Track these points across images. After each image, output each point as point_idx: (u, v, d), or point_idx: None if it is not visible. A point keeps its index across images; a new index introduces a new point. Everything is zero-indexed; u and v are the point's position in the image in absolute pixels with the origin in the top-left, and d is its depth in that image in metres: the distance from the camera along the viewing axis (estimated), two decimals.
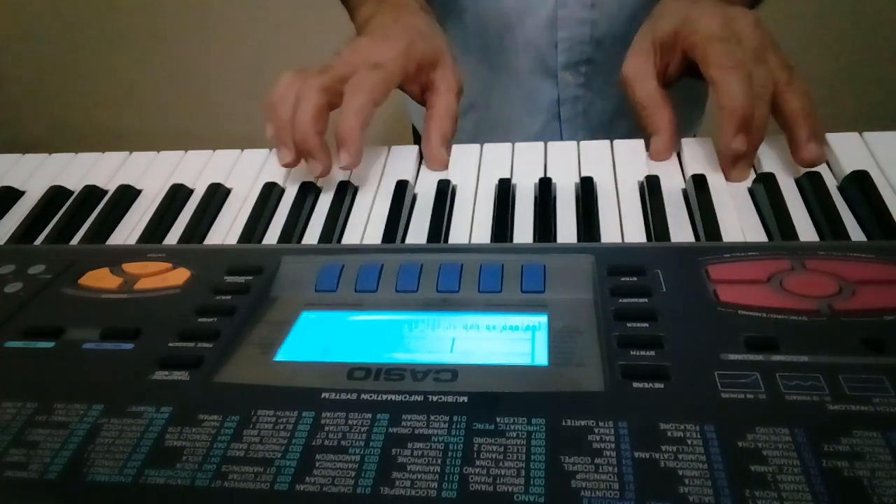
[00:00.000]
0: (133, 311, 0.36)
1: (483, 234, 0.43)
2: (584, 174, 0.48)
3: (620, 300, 0.33)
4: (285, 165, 0.49)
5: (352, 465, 0.26)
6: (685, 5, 0.50)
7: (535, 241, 0.43)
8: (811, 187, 0.44)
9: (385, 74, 0.48)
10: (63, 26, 1.97)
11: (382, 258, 0.38)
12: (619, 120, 0.70)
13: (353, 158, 0.46)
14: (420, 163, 0.51)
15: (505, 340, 0.33)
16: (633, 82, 0.50)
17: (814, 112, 0.45)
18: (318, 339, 0.34)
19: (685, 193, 0.45)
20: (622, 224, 0.43)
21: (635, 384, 0.28)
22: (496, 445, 0.26)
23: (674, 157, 0.49)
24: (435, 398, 0.28)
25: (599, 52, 0.66)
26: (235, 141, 0.63)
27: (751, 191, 0.45)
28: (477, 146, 0.52)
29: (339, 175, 0.51)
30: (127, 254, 0.41)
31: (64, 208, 0.50)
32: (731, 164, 0.45)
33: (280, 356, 0.32)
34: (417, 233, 0.44)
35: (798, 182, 0.45)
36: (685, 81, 0.51)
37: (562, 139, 0.70)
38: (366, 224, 0.46)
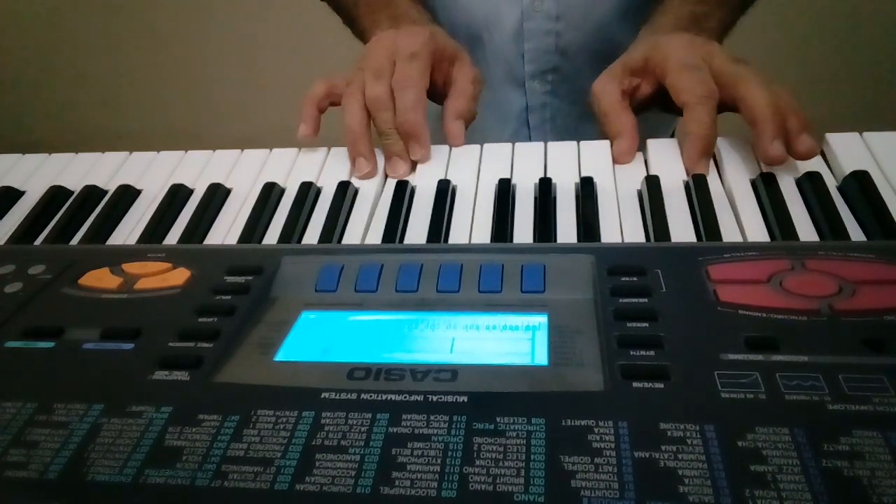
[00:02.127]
0: (133, 311, 0.36)
1: (483, 234, 0.43)
2: (584, 174, 0.48)
3: (620, 300, 0.33)
4: (364, 177, 0.50)
5: (352, 465, 0.26)
6: (657, 37, 0.53)
7: (535, 241, 0.43)
8: (811, 187, 0.44)
9: (422, 62, 0.51)
10: (63, 26, 1.97)
11: (382, 258, 0.38)
12: (584, 124, 0.72)
13: (426, 150, 0.50)
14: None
15: (505, 340, 0.33)
16: (600, 96, 0.52)
17: (782, 111, 0.46)
18: (317, 339, 0.34)
19: (686, 193, 0.45)
20: (622, 224, 0.43)
21: (635, 384, 0.28)
22: (496, 445, 0.26)
23: (676, 157, 0.49)
24: (435, 398, 0.28)
25: (565, 60, 0.68)
26: (235, 141, 0.63)
27: (754, 188, 0.45)
28: (477, 146, 0.52)
29: (338, 175, 0.51)
30: (127, 254, 0.41)
31: (64, 208, 0.50)
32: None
33: (280, 356, 0.32)
34: (417, 233, 0.44)
35: (798, 182, 0.45)
36: None
37: None
38: (366, 224, 0.46)
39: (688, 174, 0.47)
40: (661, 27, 0.55)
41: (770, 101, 0.45)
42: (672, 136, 0.81)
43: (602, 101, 0.51)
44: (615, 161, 0.49)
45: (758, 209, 0.43)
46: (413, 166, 0.51)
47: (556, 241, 0.42)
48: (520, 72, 0.69)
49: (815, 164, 0.46)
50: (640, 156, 0.49)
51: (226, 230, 0.47)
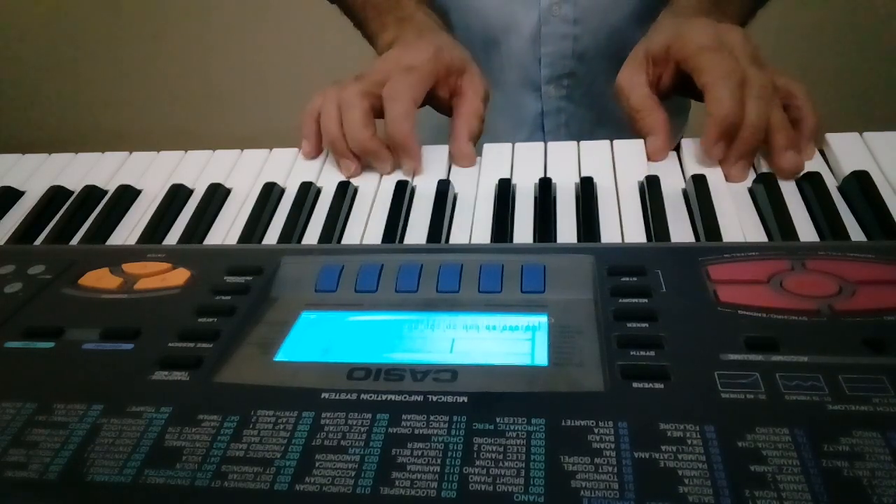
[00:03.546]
0: (133, 311, 0.36)
1: (483, 235, 0.43)
2: (584, 174, 0.48)
3: (620, 300, 0.33)
4: (350, 176, 0.50)
5: (351, 465, 0.26)
6: (678, 21, 0.52)
7: (535, 241, 0.43)
8: (811, 187, 0.44)
9: (419, 75, 0.50)
10: (63, 26, 1.97)
11: (382, 258, 0.38)
12: (599, 129, 0.72)
13: (416, 162, 0.50)
14: None
15: (505, 340, 0.33)
16: (628, 90, 0.51)
17: (805, 121, 0.46)
18: (317, 339, 0.34)
19: (685, 193, 0.45)
20: (622, 224, 0.43)
21: (635, 384, 0.28)
22: (496, 445, 0.26)
23: (674, 157, 0.49)
24: (435, 398, 0.28)
25: (581, 65, 0.68)
26: (235, 141, 0.63)
27: (751, 191, 0.45)
28: (477, 146, 0.52)
29: (338, 175, 0.51)
30: (127, 254, 0.41)
31: (64, 208, 0.50)
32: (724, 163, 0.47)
33: (280, 356, 0.32)
34: (417, 233, 0.44)
35: (798, 182, 0.45)
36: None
37: None
38: (366, 224, 0.46)
39: (707, 156, 0.46)
40: (682, 9, 0.54)
41: (726, 115, 0.44)
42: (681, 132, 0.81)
43: (632, 97, 0.51)
44: (649, 159, 0.49)
45: (758, 209, 0.43)
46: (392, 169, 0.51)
47: (556, 241, 0.42)
48: (536, 76, 0.68)
49: (816, 164, 0.46)
50: (641, 156, 0.49)
51: (226, 230, 0.47)
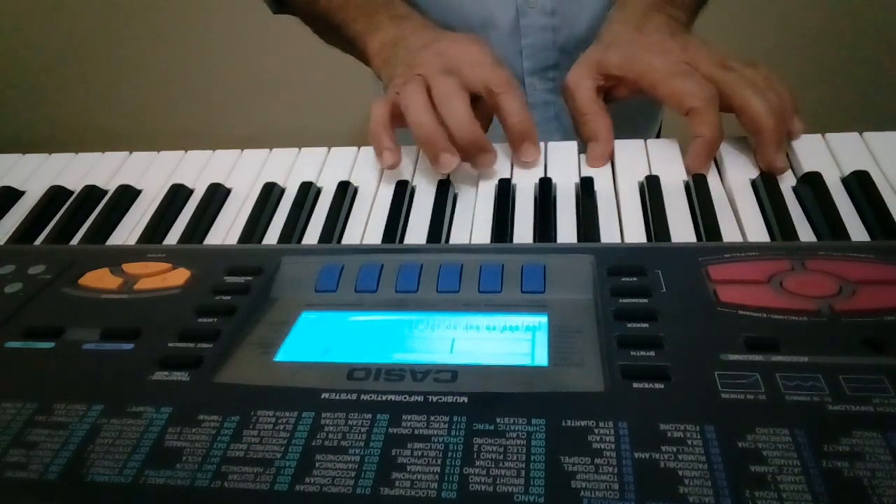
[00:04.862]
0: (133, 312, 0.36)
1: (483, 235, 0.43)
2: (584, 174, 0.48)
3: (620, 300, 0.33)
4: (449, 171, 0.48)
5: (352, 466, 0.26)
6: (630, 35, 0.52)
7: (535, 241, 0.43)
8: (811, 187, 0.44)
9: (502, 64, 0.50)
10: (63, 26, 1.97)
11: (382, 258, 0.38)
12: None
13: (538, 152, 0.49)
14: (417, 162, 0.51)
15: (505, 341, 0.33)
16: (574, 90, 0.51)
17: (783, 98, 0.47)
18: (318, 339, 0.34)
19: (686, 192, 0.45)
20: (622, 224, 0.43)
21: (635, 384, 0.28)
22: (496, 446, 0.26)
23: (677, 157, 0.49)
24: (435, 398, 0.28)
25: (566, 57, 0.67)
26: (235, 141, 0.63)
27: (755, 188, 0.45)
28: None
29: (338, 175, 0.51)
30: (127, 254, 0.41)
31: (64, 208, 0.50)
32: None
33: (280, 356, 0.32)
34: (417, 233, 0.44)
35: (798, 182, 0.45)
36: None
37: None
38: (366, 224, 0.46)
39: (688, 174, 0.47)
40: (632, 6, 0.54)
41: (770, 110, 0.45)
42: (659, 128, 0.81)
43: (577, 98, 0.51)
44: (589, 164, 0.49)
45: (758, 209, 0.43)
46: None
47: (556, 241, 0.42)
48: (518, 69, 0.68)
49: (816, 164, 0.46)
50: (641, 156, 0.49)
51: (226, 230, 0.47)
